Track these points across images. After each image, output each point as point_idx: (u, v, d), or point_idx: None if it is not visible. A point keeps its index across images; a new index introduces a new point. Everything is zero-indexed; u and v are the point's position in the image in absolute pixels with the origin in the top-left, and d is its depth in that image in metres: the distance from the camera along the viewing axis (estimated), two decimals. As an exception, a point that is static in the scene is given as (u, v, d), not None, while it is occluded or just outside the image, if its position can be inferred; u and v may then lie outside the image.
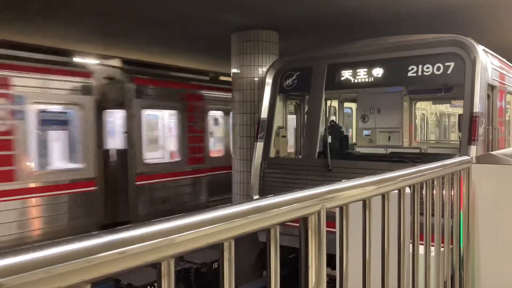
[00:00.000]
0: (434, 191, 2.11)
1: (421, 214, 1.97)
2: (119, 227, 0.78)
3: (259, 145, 6.44)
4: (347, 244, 1.35)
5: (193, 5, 6.30)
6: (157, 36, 8.29)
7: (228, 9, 6.52)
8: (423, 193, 2.01)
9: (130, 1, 6.17)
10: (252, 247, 6.45)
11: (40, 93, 6.60)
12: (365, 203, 1.45)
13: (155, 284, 0.86)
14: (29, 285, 0.62)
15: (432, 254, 2.18)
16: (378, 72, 5.73)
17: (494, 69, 5.51)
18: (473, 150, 4.79)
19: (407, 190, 1.79)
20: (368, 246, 1.48)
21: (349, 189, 1.31)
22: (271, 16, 6.93)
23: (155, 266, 0.83)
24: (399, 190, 1.71)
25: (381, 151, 7.84)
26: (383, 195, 1.57)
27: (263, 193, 6.15)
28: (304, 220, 1.13)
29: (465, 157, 2.55)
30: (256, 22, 7.20)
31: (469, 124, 4.87)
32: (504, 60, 6.38)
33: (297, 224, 1.16)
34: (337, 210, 1.36)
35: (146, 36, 8.30)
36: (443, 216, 2.28)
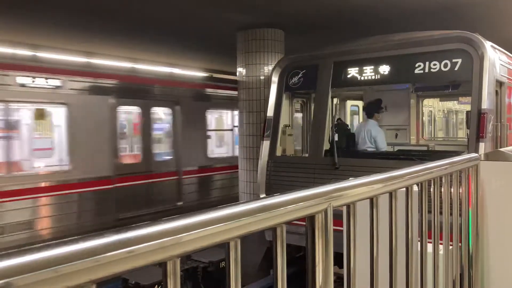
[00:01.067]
0: (442, 189, 2.10)
1: (429, 212, 1.96)
2: (126, 226, 0.78)
3: (266, 144, 6.43)
4: (354, 242, 1.34)
5: (198, 4, 6.30)
6: (162, 35, 8.32)
7: (233, 8, 6.52)
8: (431, 191, 1.99)
9: (134, 1, 6.20)
10: (259, 245, 6.45)
11: None
12: (373, 201, 1.44)
13: (162, 283, 0.86)
14: (38, 285, 0.62)
15: (441, 252, 2.16)
16: (384, 69, 5.70)
17: (502, 65, 5.45)
18: (482, 147, 4.74)
19: (415, 188, 1.77)
20: (376, 244, 1.47)
21: (356, 187, 1.31)
22: (276, 14, 6.91)
23: (161, 265, 0.83)
24: (407, 188, 1.69)
25: (388, 148, 7.80)
26: (390, 193, 1.56)
27: (270, 192, 6.15)
28: (310, 218, 1.13)
29: (473, 154, 2.53)
30: (262, 20, 7.19)
31: (477, 121, 4.83)
32: (512, 56, 6.32)
33: (304, 223, 1.16)
34: (344, 209, 1.35)
35: (151, 35, 8.33)
36: (451, 214, 2.26)
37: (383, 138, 6.88)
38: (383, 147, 6.73)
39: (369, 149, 6.61)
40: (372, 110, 7.01)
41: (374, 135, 6.64)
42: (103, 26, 7.62)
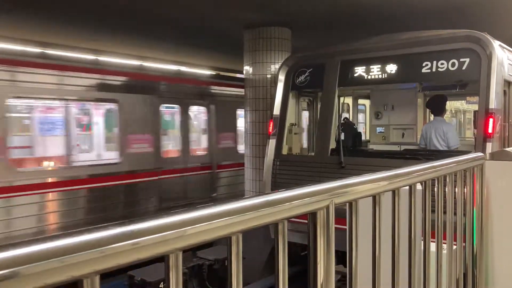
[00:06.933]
0: (446, 188, 2.09)
1: (433, 211, 1.95)
2: (132, 219, 0.80)
3: (272, 142, 6.44)
4: (356, 240, 1.35)
5: (205, 2, 6.32)
6: (168, 33, 8.35)
7: (240, 6, 6.53)
8: (435, 190, 1.99)
9: (143, -1, 6.23)
10: (265, 244, 6.46)
11: None
12: (375, 199, 1.45)
13: (165, 276, 0.88)
14: (44, 274, 0.64)
15: (444, 251, 2.16)
16: (391, 68, 5.68)
17: (511, 64, 5.41)
18: (489, 147, 4.71)
19: (418, 186, 1.77)
20: (378, 242, 1.47)
21: (358, 185, 1.31)
22: (283, 13, 6.91)
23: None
24: (410, 187, 1.69)
25: (395, 148, 7.77)
26: (393, 191, 1.56)
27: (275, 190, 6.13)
28: (312, 215, 1.14)
29: (478, 154, 2.52)
30: (269, 19, 7.19)
31: (484, 121, 4.80)
32: (521, 55, 6.25)
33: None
34: (347, 206, 1.36)
35: (157, 32, 8.36)
36: (455, 213, 2.26)
37: (455, 135, 6.48)
38: (455, 143, 6.32)
39: (440, 148, 6.23)
40: (437, 107, 6.71)
41: (446, 131, 6.29)
42: (111, 24, 7.67)
